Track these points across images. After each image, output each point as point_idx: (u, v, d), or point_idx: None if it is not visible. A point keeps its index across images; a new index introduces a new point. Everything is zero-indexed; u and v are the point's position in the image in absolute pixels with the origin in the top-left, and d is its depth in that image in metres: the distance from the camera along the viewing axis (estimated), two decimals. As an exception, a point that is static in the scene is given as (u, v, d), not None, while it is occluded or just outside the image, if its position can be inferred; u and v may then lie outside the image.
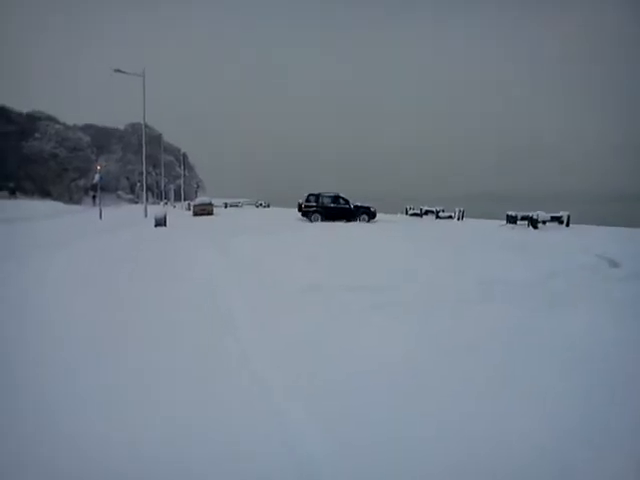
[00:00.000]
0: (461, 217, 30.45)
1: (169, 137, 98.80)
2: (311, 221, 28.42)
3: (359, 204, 29.57)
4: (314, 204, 29.24)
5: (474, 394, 3.94)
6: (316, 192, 29.67)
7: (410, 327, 5.82)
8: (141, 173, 51.40)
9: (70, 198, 68.29)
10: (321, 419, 3.51)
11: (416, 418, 3.54)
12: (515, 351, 4.99)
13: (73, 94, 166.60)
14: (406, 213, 36.27)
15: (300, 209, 30.07)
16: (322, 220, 28.45)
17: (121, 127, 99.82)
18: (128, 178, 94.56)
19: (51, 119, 70.78)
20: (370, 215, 29.20)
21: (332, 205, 29.12)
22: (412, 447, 3.16)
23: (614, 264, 11.25)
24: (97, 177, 37.14)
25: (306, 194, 29.75)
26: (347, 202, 29.19)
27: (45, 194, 64.22)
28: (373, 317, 6.24)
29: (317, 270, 9.90)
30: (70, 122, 77.47)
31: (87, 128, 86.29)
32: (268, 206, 65.03)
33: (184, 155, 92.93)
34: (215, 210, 43.32)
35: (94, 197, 65.13)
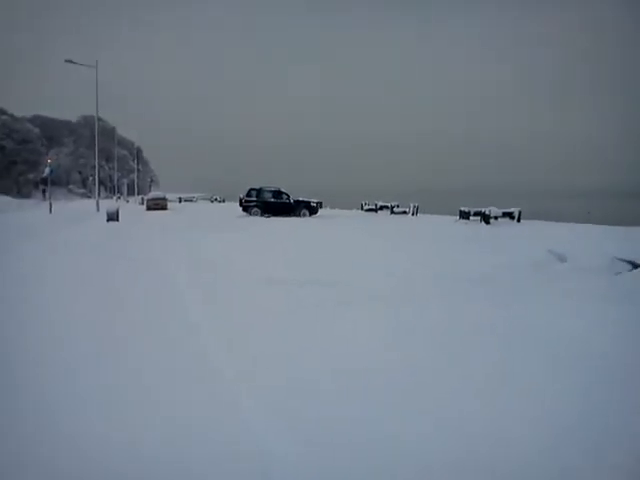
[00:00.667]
0: (415, 212, 30.85)
1: (123, 131, 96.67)
2: (250, 215, 28.24)
3: (301, 199, 29.48)
4: (254, 199, 29.13)
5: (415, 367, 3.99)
6: (257, 186, 29.63)
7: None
8: (94, 167, 50.12)
9: (19, 192, 65.97)
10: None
11: (348, 397, 3.56)
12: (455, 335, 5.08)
13: (21, 85, 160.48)
14: (361, 208, 36.50)
15: (241, 204, 29.76)
16: (262, 215, 28.17)
17: (73, 119, 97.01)
18: (80, 172, 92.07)
19: (-3, 110, 68.25)
20: (311, 210, 29.03)
21: (272, 200, 28.95)
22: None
23: (561, 258, 11.60)
24: (47, 170, 36.00)
25: (247, 188, 29.66)
26: (288, 197, 29.08)
27: (-9, 188, 61.95)
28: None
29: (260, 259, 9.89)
30: (18, 113, 74.77)
31: (36, 119, 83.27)
32: (223, 201, 64.76)
33: (138, 149, 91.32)
34: (169, 205, 42.82)
35: (44, 191, 63.14)
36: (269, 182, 30.77)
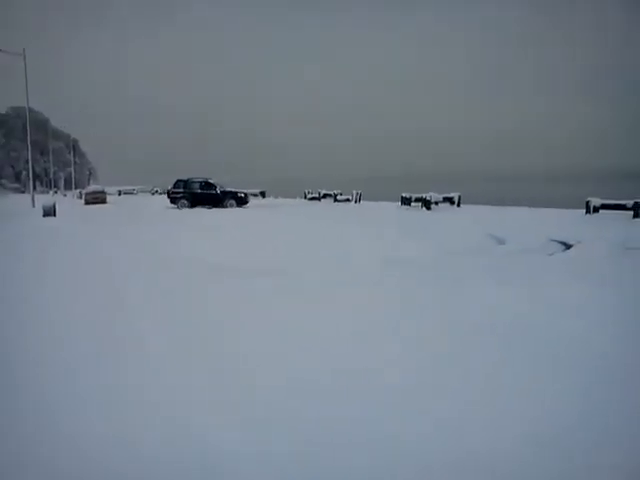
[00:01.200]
0: (358, 200, 31.22)
1: (58, 122, 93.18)
2: (178, 208, 28.01)
3: (228, 189, 29.15)
4: (181, 190, 28.89)
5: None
6: (185, 177, 29.39)
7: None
8: (26, 161, 48.13)
9: (-55, 188, 62.79)
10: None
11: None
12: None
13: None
14: (305, 197, 36.59)
15: (168, 195, 29.63)
16: (190, 207, 28.06)
17: (2, 111, 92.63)
18: (13, 166, 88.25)
19: None
20: (238, 201, 28.57)
21: (199, 191, 28.70)
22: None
23: (500, 241, 12.09)
24: (-24, 165, 34.30)
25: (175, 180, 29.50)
26: (215, 188, 28.75)
27: None
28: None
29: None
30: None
31: (-38, 112, 79.21)
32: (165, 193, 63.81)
33: (75, 141, 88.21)
34: (109, 198, 41.87)
35: (-27, 187, 60.27)
36: (204, 173, 30.61)
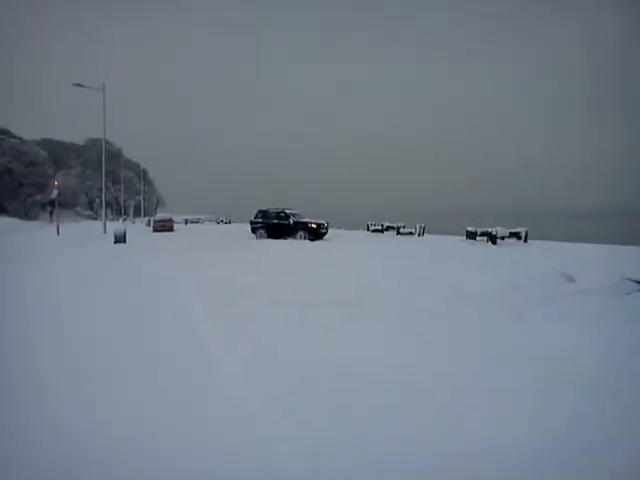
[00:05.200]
0: (422, 233, 30.89)
1: (129, 152, 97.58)
2: (257, 237, 27.52)
3: (302, 220, 27.19)
4: (260, 220, 28.31)
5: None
6: (265, 208, 28.62)
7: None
8: (100, 189, 50.51)
9: (26, 214, 66.42)
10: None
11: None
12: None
13: (29, 107, 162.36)
14: (367, 229, 36.46)
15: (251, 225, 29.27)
16: (267, 237, 27.20)
17: (80, 142, 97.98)
18: (87, 194, 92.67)
19: (5, 132, 68.97)
20: (309, 232, 26.37)
21: (275, 221, 27.67)
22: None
23: (570, 279, 11.58)
24: (55, 192, 36.23)
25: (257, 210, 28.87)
26: (288, 218, 27.31)
27: (0, 210, 62.35)
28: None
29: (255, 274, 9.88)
30: (27, 136, 75.56)
31: (44, 143, 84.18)
32: (229, 222, 64.88)
33: (144, 171, 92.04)
34: (175, 226, 43.04)
35: (51, 213, 63.54)
36: (278, 203, 29.64)
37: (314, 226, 26.70)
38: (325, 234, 27.33)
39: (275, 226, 27.57)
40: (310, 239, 25.74)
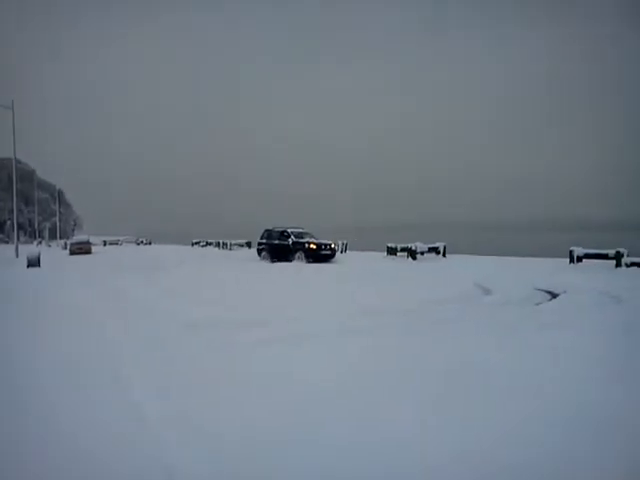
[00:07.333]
0: (344, 250, 31.24)
1: (43, 173, 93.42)
2: (261, 259, 25.00)
3: (302, 240, 23.78)
4: (264, 241, 25.54)
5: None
6: (270, 227, 25.68)
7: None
8: (11, 211, 47.98)
9: None
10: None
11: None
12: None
13: None
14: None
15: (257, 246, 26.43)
16: (271, 260, 24.16)
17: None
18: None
19: None
20: (308, 254, 22.87)
21: (277, 242, 24.60)
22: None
23: (486, 291, 12.19)
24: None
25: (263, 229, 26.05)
26: (288, 238, 24.10)
27: None
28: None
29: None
30: None
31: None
32: (150, 243, 63.74)
33: (60, 192, 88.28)
34: (94, 249, 41.76)
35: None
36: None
37: (313, 247, 23.16)
38: (331, 256, 23.80)
39: (276, 247, 24.53)
40: (309, 261, 22.67)
